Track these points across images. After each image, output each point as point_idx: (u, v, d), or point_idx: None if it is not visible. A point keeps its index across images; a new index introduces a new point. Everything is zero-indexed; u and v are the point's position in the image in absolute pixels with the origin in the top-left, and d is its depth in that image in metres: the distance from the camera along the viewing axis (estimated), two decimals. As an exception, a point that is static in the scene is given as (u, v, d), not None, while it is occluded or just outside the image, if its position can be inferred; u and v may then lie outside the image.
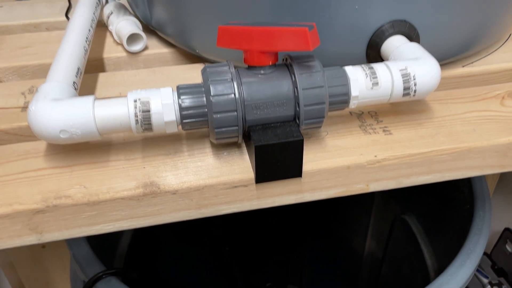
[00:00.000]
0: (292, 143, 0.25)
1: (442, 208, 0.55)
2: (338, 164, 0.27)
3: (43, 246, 0.57)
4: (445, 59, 0.35)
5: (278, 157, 0.26)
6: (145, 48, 0.40)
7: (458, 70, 0.36)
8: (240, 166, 0.27)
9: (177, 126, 0.26)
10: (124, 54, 0.40)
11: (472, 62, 0.37)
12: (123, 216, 0.26)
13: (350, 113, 0.31)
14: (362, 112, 0.31)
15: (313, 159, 0.27)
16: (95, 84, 0.35)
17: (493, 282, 0.60)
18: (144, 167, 0.27)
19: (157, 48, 0.40)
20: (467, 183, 0.50)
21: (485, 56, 0.38)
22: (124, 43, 0.39)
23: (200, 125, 0.26)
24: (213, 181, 0.26)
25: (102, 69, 0.40)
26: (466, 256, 0.40)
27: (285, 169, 0.26)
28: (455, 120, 0.30)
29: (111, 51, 0.40)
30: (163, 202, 0.26)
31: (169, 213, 0.26)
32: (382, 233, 0.70)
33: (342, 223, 0.78)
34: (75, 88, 0.28)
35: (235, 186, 0.26)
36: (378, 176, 0.28)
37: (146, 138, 0.29)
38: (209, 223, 0.76)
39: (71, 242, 0.43)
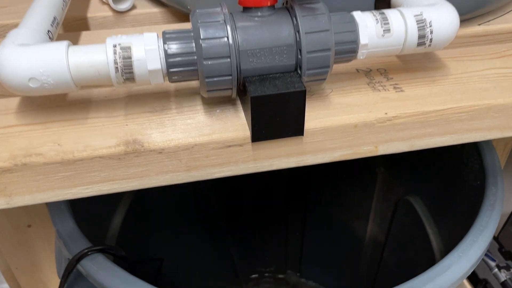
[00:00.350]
0: (293, 95, 0.22)
1: (449, 187, 0.52)
2: (344, 122, 0.24)
3: (29, 225, 0.54)
4: (460, 16, 0.32)
5: (277, 112, 0.23)
6: (133, 7, 0.37)
7: (473, 29, 0.33)
8: (235, 124, 0.24)
9: (163, 76, 0.23)
10: (110, 13, 0.37)
11: (488, 21, 0.34)
12: (102, 178, 0.23)
13: (357, 70, 0.28)
14: (370, 69, 0.28)
15: (316, 116, 0.24)
16: (77, 42, 0.32)
17: (501, 265, 0.58)
18: (126, 125, 0.24)
19: (146, 8, 0.37)
20: (477, 158, 0.47)
21: (501, 15, 0.35)
22: (110, 1, 0.36)
23: (189, 76, 0.23)
24: (204, 139, 0.23)
25: (87, 30, 0.37)
26: (478, 233, 0.37)
27: (285, 126, 0.23)
28: (473, 77, 0.27)
29: (96, 10, 0.37)
30: (147, 163, 0.23)
31: (155, 176, 0.24)
32: (385, 216, 0.68)
33: (342, 206, 0.75)
34: (49, 37, 0.25)
35: (229, 146, 0.23)
36: (389, 136, 0.25)
37: (130, 95, 0.26)
38: (204, 201, 0.73)
39: (55, 218, 0.40)
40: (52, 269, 0.66)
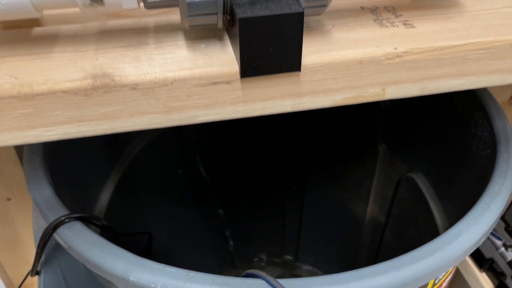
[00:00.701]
0: (289, 17, 0.19)
1: (456, 161, 0.49)
2: (347, 57, 0.21)
3: (8, 199, 0.51)
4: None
5: (269, 39, 0.19)
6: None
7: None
8: (221, 58, 0.21)
9: (137, 1, 0.20)
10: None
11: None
12: (67, 118, 0.20)
13: (362, 7, 0.25)
14: (377, 7, 0.25)
15: (315, 51, 0.21)
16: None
17: (508, 244, 0.55)
18: (96, 59, 0.21)
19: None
20: (487, 126, 0.44)
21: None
22: None
23: (168, 1, 0.20)
24: (185, 74, 0.20)
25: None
26: (490, 199, 0.34)
27: (279, 58, 0.20)
28: (492, 14, 0.24)
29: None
30: (120, 101, 0.20)
31: (130, 117, 0.20)
32: (386, 196, 0.65)
33: (342, 187, 0.72)
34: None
35: (214, 83, 0.20)
36: (398, 76, 0.22)
37: (104, 31, 0.23)
38: (199, 181, 0.70)
39: (31, 185, 0.37)
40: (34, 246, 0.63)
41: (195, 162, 0.66)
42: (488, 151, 0.42)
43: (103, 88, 0.19)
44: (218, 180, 0.69)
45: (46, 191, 0.36)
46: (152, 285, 0.27)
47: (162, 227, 0.66)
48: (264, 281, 0.27)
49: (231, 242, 0.77)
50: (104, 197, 0.53)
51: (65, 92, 0.19)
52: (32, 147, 0.38)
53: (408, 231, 0.60)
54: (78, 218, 0.32)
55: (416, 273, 0.29)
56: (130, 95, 0.20)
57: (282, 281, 0.27)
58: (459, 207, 0.48)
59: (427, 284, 0.34)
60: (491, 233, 0.61)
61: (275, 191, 0.77)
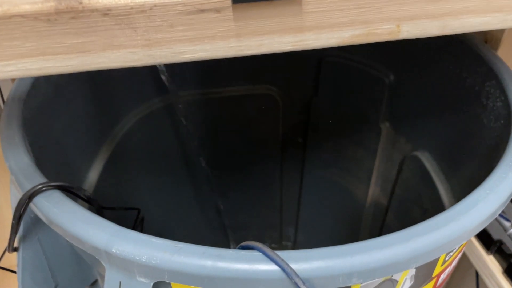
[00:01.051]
0: None
1: (465, 135, 0.47)
2: (357, -13, 0.18)
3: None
4: None
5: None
6: None
7: None
8: (211, -14, 0.18)
9: None
10: None
11: None
12: (28, 50, 0.17)
13: None
14: None
15: (320, -20, 0.18)
16: None
17: (517, 226, 0.53)
18: (65, -14, 0.18)
19: None
20: (500, 95, 0.41)
21: None
22: None
23: None
24: None
25: None
26: (507, 168, 0.31)
27: (279, -14, 0.17)
28: None
29: None
30: (90, 30, 0.17)
31: (102, 51, 0.17)
32: (389, 177, 0.62)
33: (342, 168, 0.70)
34: None
35: (202, 10, 0.17)
36: (415, 10, 0.19)
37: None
38: (193, 162, 0.67)
39: (7, 152, 0.34)
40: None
41: (190, 140, 0.63)
42: (502, 121, 0.39)
43: (69, 13, 0.16)
44: (214, 160, 0.67)
45: (23, 159, 0.33)
46: (136, 258, 0.25)
47: (155, 208, 0.63)
48: (260, 253, 0.24)
49: (227, 229, 0.75)
50: (93, 175, 0.50)
51: (24, 16, 0.16)
52: (10, 113, 0.35)
53: (412, 213, 0.57)
54: (57, 187, 0.29)
55: (426, 245, 0.26)
56: (101, 23, 0.17)
57: (280, 253, 0.24)
58: (468, 185, 0.46)
59: (437, 259, 0.31)
60: (500, 215, 0.58)
61: (272, 173, 0.74)
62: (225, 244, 0.84)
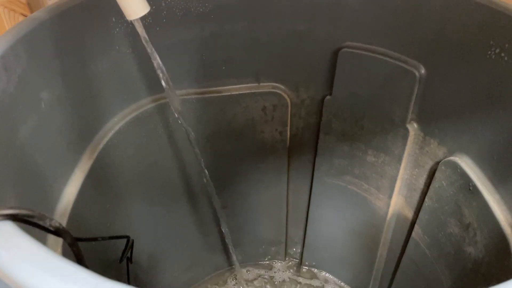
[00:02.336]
0: None
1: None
2: None
3: None
4: None
5: None
6: None
7: None
8: None
9: None
10: None
11: None
12: None
13: None
14: None
15: None
16: None
17: None
18: None
19: None
20: None
21: None
22: None
23: None
24: None
25: None
26: None
27: None
28: None
29: None
30: None
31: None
32: (415, 186, 0.54)
33: (357, 177, 0.61)
34: None
35: None
36: None
37: None
38: (192, 181, 0.58)
39: None
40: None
41: (187, 145, 0.54)
42: None
43: None
44: (214, 168, 0.58)
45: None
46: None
47: (146, 227, 0.54)
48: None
49: (229, 242, 0.66)
50: (70, 192, 0.41)
51: None
52: None
53: (448, 228, 0.49)
54: (9, 217, 0.20)
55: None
56: None
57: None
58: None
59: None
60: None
61: (278, 182, 0.66)
62: (227, 264, 0.75)
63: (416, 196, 0.55)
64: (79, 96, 0.41)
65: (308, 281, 0.74)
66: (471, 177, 0.44)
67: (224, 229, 0.59)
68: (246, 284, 0.72)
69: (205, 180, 0.53)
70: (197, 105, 0.54)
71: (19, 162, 0.31)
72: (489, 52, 0.39)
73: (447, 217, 0.49)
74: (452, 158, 0.47)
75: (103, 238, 0.31)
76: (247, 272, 0.75)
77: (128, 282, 0.40)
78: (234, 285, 0.72)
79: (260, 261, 0.75)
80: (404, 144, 0.53)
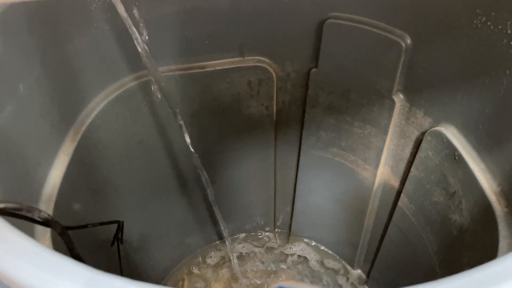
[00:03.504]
0: None
1: (504, 104, 0.39)
2: None
3: None
4: None
5: None
6: None
7: None
8: None
9: None
10: None
11: None
12: None
13: None
14: None
15: None
16: None
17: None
18: None
19: None
20: None
21: None
22: None
23: None
24: None
25: None
26: None
27: None
28: None
29: None
30: None
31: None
32: (401, 156, 0.55)
33: (344, 148, 0.62)
34: None
35: None
36: None
37: None
38: (176, 142, 0.58)
39: None
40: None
41: (172, 122, 0.53)
42: None
43: None
44: (201, 144, 0.57)
45: None
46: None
47: (135, 206, 0.54)
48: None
49: (219, 216, 0.66)
50: (56, 174, 0.40)
51: None
52: None
53: (433, 196, 0.50)
54: (-4, 212, 0.20)
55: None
56: None
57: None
58: (510, 163, 0.38)
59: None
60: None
61: (266, 155, 0.65)
62: (217, 238, 0.76)
63: (402, 166, 0.56)
64: (59, 77, 0.39)
65: (296, 251, 0.76)
66: (456, 147, 0.45)
67: (213, 204, 0.59)
68: (236, 255, 0.73)
69: (192, 157, 0.53)
70: (181, 81, 0.53)
71: (1, 148, 0.30)
72: (475, 21, 0.39)
73: (433, 186, 0.50)
74: (437, 128, 0.47)
75: (93, 225, 0.31)
76: (237, 244, 0.76)
77: (120, 262, 0.40)
78: (224, 256, 0.73)
79: (250, 233, 0.76)
80: (390, 115, 0.53)
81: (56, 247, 0.29)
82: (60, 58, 0.39)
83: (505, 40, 0.36)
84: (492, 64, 0.39)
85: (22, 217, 0.20)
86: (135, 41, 0.40)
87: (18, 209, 0.20)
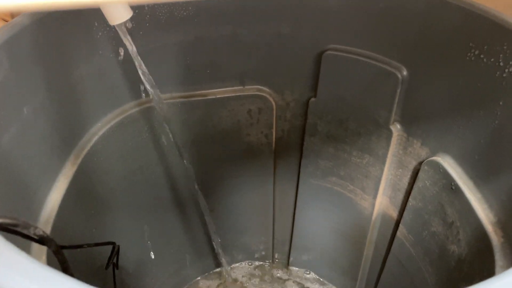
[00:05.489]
0: None
1: (499, 135, 0.40)
2: None
3: None
4: None
5: None
6: None
7: None
8: None
9: None
10: None
11: None
12: None
13: None
14: None
15: None
16: None
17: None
18: None
19: None
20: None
21: None
22: None
23: None
24: None
25: None
26: None
27: None
28: None
29: None
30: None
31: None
32: (400, 186, 0.55)
33: (342, 178, 0.62)
34: None
35: None
36: None
37: None
38: (180, 189, 0.58)
39: None
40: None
41: (173, 149, 0.54)
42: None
43: None
44: (200, 171, 0.58)
45: None
46: None
47: (132, 232, 0.54)
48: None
49: (217, 244, 0.66)
50: (55, 198, 0.40)
51: None
52: None
53: (431, 226, 0.50)
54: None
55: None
56: None
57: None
58: (505, 194, 0.39)
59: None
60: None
61: (265, 184, 0.66)
62: (214, 266, 0.75)
63: (400, 196, 0.56)
64: (63, 102, 0.40)
65: (294, 282, 0.75)
66: (453, 177, 0.45)
67: (211, 232, 0.59)
68: (234, 285, 0.72)
69: (191, 184, 0.53)
70: (182, 109, 0.54)
71: (2, 169, 0.31)
72: (469, 54, 0.40)
73: (431, 216, 0.49)
74: (434, 158, 0.48)
75: (89, 245, 0.31)
76: (234, 273, 0.75)
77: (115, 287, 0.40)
78: (220, 284, 0.72)
79: (248, 262, 0.75)
80: (388, 145, 0.53)
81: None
82: (64, 83, 0.40)
83: (498, 72, 0.37)
84: (486, 96, 0.39)
85: (17, 233, 0.20)
86: (138, 69, 0.42)
87: (14, 225, 0.20)
